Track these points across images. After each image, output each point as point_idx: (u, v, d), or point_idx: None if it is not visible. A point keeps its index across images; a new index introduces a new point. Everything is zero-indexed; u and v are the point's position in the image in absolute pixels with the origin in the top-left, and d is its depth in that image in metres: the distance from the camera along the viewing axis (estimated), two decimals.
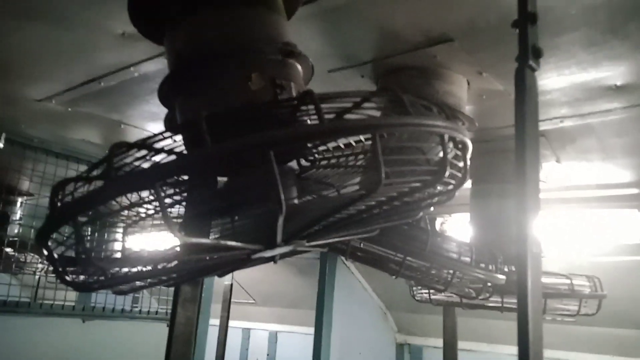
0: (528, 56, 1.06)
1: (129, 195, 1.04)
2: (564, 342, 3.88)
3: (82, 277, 1.02)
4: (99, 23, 1.66)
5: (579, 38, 1.55)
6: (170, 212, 1.21)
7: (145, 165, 1.00)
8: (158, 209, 1.09)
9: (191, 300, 1.76)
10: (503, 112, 2.11)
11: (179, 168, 0.71)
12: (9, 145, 2.74)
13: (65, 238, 0.87)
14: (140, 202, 1.02)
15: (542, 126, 2.17)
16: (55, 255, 0.91)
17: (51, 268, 3.34)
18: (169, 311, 3.37)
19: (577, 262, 3.45)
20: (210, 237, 1.14)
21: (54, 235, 0.92)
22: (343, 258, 4.52)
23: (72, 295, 3.04)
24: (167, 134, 0.83)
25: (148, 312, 3.38)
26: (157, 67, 1.91)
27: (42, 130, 2.79)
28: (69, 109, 2.43)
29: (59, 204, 0.86)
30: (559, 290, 2.38)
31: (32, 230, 3.19)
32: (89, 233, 1.24)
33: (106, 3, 1.54)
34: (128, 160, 0.94)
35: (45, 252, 0.90)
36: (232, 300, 5.18)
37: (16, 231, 3.46)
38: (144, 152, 0.89)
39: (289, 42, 1.13)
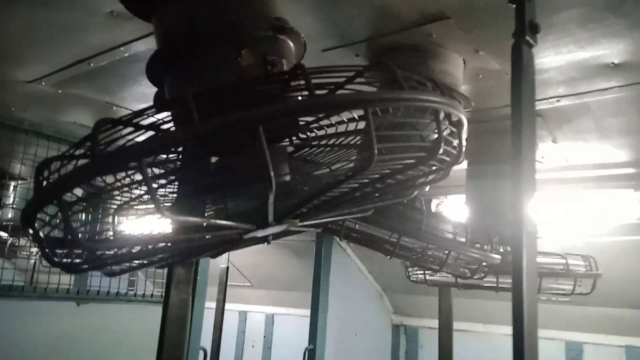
0: (525, 32, 1.04)
1: (118, 175, 1.02)
2: (559, 322, 3.91)
3: (70, 259, 1.00)
4: (86, 2, 1.62)
5: (577, 15, 1.52)
6: (164, 194, 1.19)
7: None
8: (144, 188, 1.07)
9: (185, 282, 1.75)
10: (499, 92, 2.09)
11: (165, 144, 0.69)
12: None
13: (50, 218, 0.85)
14: (130, 182, 1.00)
15: (539, 106, 2.15)
16: (42, 236, 0.89)
17: None
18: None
19: (573, 242, 3.46)
20: (202, 217, 1.12)
21: (42, 216, 0.90)
22: (338, 240, 4.54)
23: (66, 278, 3.02)
24: (153, 110, 0.81)
25: (143, 295, 3.37)
26: (148, 46, 1.87)
27: (32, 113, 2.76)
28: (59, 91, 2.39)
29: (44, 183, 0.84)
30: (554, 270, 2.39)
31: (21, 213, 3.16)
32: (81, 215, 1.22)
33: None
34: (115, 138, 0.92)
35: (31, 233, 0.89)
36: (228, 283, 5.19)
37: (10, 215, 3.44)
38: (130, 129, 0.87)
39: (280, 17, 1.10)
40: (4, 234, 3.38)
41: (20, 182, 3.46)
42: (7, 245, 3.39)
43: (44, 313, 2.83)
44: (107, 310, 3.15)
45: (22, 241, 3.58)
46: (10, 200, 3.51)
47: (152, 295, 3.42)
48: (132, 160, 0.67)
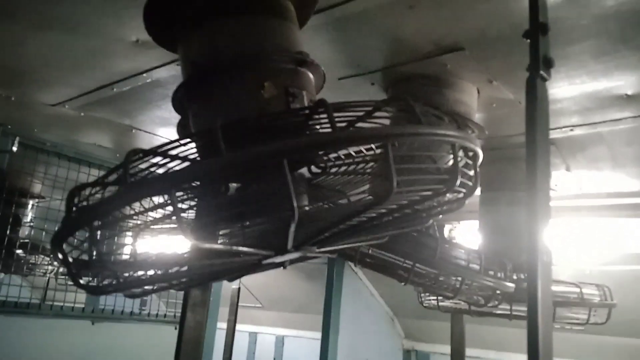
0: (539, 66, 1.07)
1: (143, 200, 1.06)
2: (574, 351, 3.85)
3: (94, 280, 1.03)
4: (113, 31, 1.68)
5: (590, 48, 1.55)
6: (184, 217, 1.23)
7: (159, 171, 1.02)
8: (169, 213, 1.11)
9: (200, 304, 1.77)
10: (513, 120, 2.11)
11: (195, 175, 0.73)
12: (22, 148, 2.78)
13: (80, 242, 0.89)
14: (154, 207, 1.03)
15: (553, 134, 2.17)
16: (70, 259, 0.92)
17: (61, 270, 3.37)
18: (177, 314, 3.38)
19: (587, 270, 3.43)
20: (219, 242, 1.15)
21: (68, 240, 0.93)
22: (351, 264, 4.53)
23: (81, 297, 3.06)
24: (183, 141, 0.85)
25: (157, 315, 3.40)
26: (169, 73, 1.93)
27: (54, 134, 2.83)
28: (82, 114, 2.46)
29: (74, 209, 0.87)
30: (569, 299, 2.37)
31: (43, 233, 3.21)
32: (101, 237, 1.26)
33: (121, 11, 1.56)
34: (142, 166, 0.95)
35: (60, 256, 0.92)
36: (239, 304, 5.18)
37: (27, 233, 3.49)
38: (158, 158, 0.91)
39: (301, 51, 1.14)
40: (21, 252, 3.42)
41: (38, 200, 3.52)
42: (24, 263, 3.43)
43: (59, 331, 2.86)
44: (120, 329, 3.18)
45: (38, 259, 3.63)
46: (29, 218, 3.56)
47: (165, 315, 3.44)
48: (164, 190, 0.70)
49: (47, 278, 3.70)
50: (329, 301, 4.53)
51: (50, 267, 3.59)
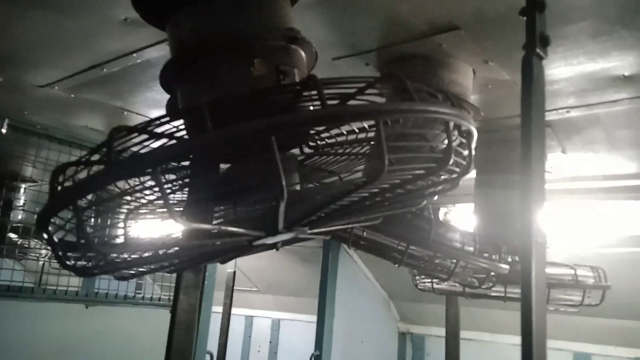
0: (535, 44, 1.05)
1: (130, 181, 1.04)
2: (567, 333, 3.88)
3: (83, 262, 1.02)
4: (101, 9, 1.64)
5: (588, 27, 1.53)
6: (173, 199, 1.21)
7: (146, 150, 1.00)
8: (159, 194, 1.09)
9: (193, 286, 1.76)
10: (509, 102, 2.09)
11: (180, 153, 0.71)
12: (12, 131, 2.74)
13: (65, 222, 0.87)
14: (142, 188, 1.01)
15: (548, 116, 2.15)
16: (56, 240, 0.90)
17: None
18: (172, 298, 3.38)
19: (582, 253, 3.44)
20: (212, 224, 1.13)
21: (55, 220, 0.91)
22: (346, 247, 4.54)
23: (75, 280, 3.05)
24: (167, 118, 0.83)
25: (151, 298, 3.39)
26: (160, 53, 1.89)
27: (45, 117, 2.79)
28: (72, 95, 2.42)
29: (59, 188, 0.85)
30: (563, 281, 2.38)
31: (36, 217, 3.19)
32: (91, 219, 1.24)
33: None
34: (128, 145, 0.93)
35: (46, 237, 0.90)
36: (234, 287, 5.20)
37: (20, 217, 3.47)
38: (144, 136, 0.89)
39: (292, 28, 1.11)
40: (14, 236, 3.41)
41: (30, 184, 3.49)
42: (17, 247, 3.42)
43: (53, 315, 2.86)
44: (115, 312, 3.17)
45: (32, 243, 3.61)
46: (21, 202, 3.54)
47: (159, 299, 3.44)
48: (148, 168, 0.68)
49: (42, 262, 3.69)
50: (324, 285, 4.54)
51: (43, 251, 3.58)
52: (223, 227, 0.87)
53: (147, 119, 2.62)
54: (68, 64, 2.09)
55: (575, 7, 1.42)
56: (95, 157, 0.92)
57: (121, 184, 0.99)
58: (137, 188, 0.98)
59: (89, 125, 2.85)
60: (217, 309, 4.77)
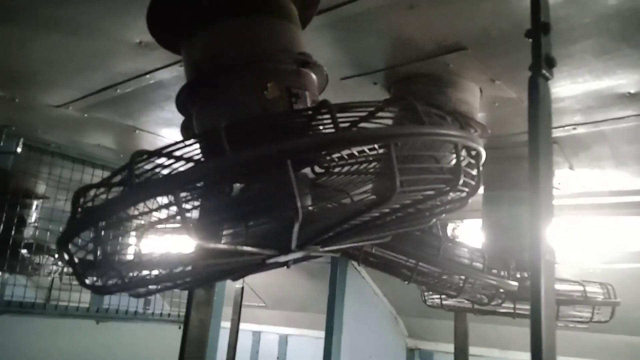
0: (541, 66, 1.07)
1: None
2: (577, 349, 3.85)
3: (100, 280, 1.04)
4: (116, 32, 1.69)
5: (592, 46, 1.55)
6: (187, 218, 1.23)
7: (163, 171, 1.03)
8: (173, 213, 1.11)
9: (204, 303, 1.78)
10: (515, 119, 2.11)
11: (200, 175, 0.73)
12: (26, 150, 2.79)
13: (85, 243, 0.89)
14: (159, 208, 1.04)
15: (555, 133, 2.17)
16: (76, 260, 0.93)
17: (65, 270, 3.39)
18: (181, 313, 3.40)
19: (591, 269, 3.43)
20: (222, 241, 1.16)
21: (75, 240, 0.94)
22: (354, 262, 4.54)
23: (85, 297, 3.07)
24: (188, 142, 0.86)
25: (160, 314, 3.41)
26: (172, 74, 1.94)
27: (58, 136, 2.84)
28: (85, 115, 2.47)
29: (80, 209, 0.88)
30: (572, 297, 2.38)
31: (48, 233, 3.23)
32: (107, 237, 1.27)
33: (124, 13, 1.57)
34: (147, 167, 0.96)
35: (67, 257, 0.93)
36: (242, 303, 5.20)
37: (32, 234, 3.50)
38: (163, 159, 0.92)
39: (304, 52, 1.14)
40: (26, 252, 3.44)
41: (43, 201, 3.53)
42: (29, 263, 3.44)
43: (64, 330, 2.88)
44: (124, 328, 3.19)
45: (43, 259, 3.64)
46: (33, 218, 3.58)
47: (168, 315, 3.45)
48: (170, 190, 0.71)
49: (52, 278, 3.72)
50: (332, 300, 4.53)
51: (54, 267, 3.60)
52: (238, 247, 0.89)
53: (158, 137, 2.68)
54: (82, 84, 2.13)
55: (579, 26, 1.45)
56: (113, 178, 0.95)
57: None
58: (153, 208, 1.00)
59: (102, 143, 2.90)
60: (225, 324, 4.77)
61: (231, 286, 4.94)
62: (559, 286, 2.31)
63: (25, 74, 2.10)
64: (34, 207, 3.44)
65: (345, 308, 4.59)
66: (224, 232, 1.20)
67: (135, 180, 0.80)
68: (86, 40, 1.76)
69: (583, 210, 3.02)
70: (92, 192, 0.90)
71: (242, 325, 5.24)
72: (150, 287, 1.15)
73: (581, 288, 2.39)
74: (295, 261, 1.20)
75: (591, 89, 1.80)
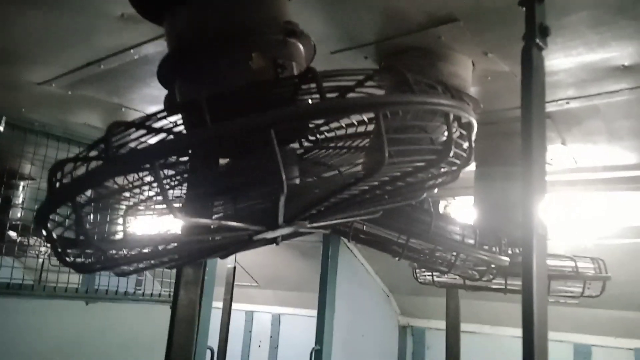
0: (535, 34, 1.05)
1: (129, 177, 1.03)
2: (568, 324, 3.89)
3: (82, 259, 1.01)
4: (98, 5, 1.63)
5: (587, 18, 1.52)
6: (172, 195, 1.20)
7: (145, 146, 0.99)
8: (158, 190, 1.08)
9: (193, 282, 1.76)
10: (508, 94, 2.08)
11: (179, 147, 0.70)
12: (9, 129, 2.73)
13: (64, 219, 0.86)
14: (141, 184, 1.01)
15: (548, 108, 2.14)
16: (55, 236, 0.90)
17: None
18: (172, 294, 3.38)
19: (582, 244, 3.44)
20: (212, 219, 1.13)
21: (54, 217, 0.91)
22: (346, 241, 4.54)
23: (75, 277, 3.04)
24: (165, 113, 0.82)
25: (151, 294, 3.39)
26: (157, 49, 1.88)
27: (42, 114, 2.78)
28: (70, 93, 2.41)
29: (57, 185, 0.85)
30: (563, 272, 2.38)
31: (34, 213, 3.19)
32: (90, 215, 1.24)
33: None
34: (127, 140, 0.93)
35: (45, 233, 0.90)
36: (235, 283, 5.21)
37: (19, 215, 3.46)
38: (142, 131, 0.88)
39: (290, 21, 1.11)
40: (14, 234, 3.40)
41: (29, 182, 3.49)
42: (17, 245, 3.41)
43: (53, 312, 2.85)
44: (115, 309, 3.17)
45: (31, 240, 3.61)
46: (20, 200, 3.54)
47: (159, 295, 3.43)
48: (146, 163, 0.67)
49: (42, 260, 3.69)
50: (324, 279, 4.55)
51: (43, 249, 3.57)
52: (223, 222, 0.86)
53: (144, 114, 2.64)
54: (65, 60, 2.08)
55: None
56: (94, 153, 0.92)
57: (120, 180, 0.98)
58: (135, 184, 0.97)
59: (87, 122, 2.84)
60: (218, 304, 4.77)
61: (223, 266, 4.93)
62: (550, 261, 2.31)
63: (6, 50, 2.04)
64: (20, 188, 3.40)
65: (338, 287, 4.60)
66: (213, 213, 1.18)
67: (113, 152, 0.76)
68: (67, 14, 1.71)
69: (576, 185, 3.02)
70: (69, 167, 0.87)
71: (234, 305, 5.26)
72: (135, 265, 1.13)
73: (572, 263, 2.39)
74: (284, 238, 1.17)
75: (585, 61, 1.77)
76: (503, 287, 2.38)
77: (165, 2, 1.18)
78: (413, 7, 1.55)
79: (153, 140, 0.96)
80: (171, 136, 0.91)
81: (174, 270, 2.78)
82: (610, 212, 3.51)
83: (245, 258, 5.43)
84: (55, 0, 1.63)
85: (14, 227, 3.23)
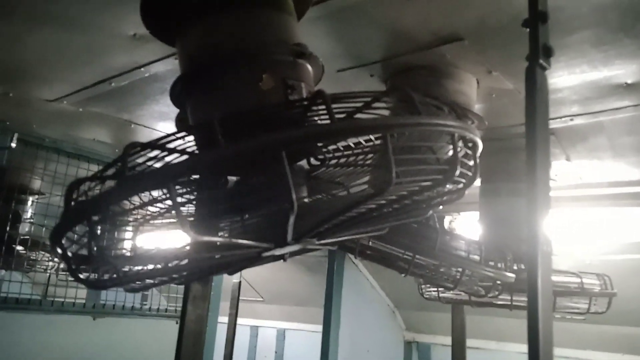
0: (539, 55, 1.07)
1: (141, 194, 1.06)
2: (574, 341, 3.86)
3: (94, 275, 1.03)
4: (110, 25, 1.67)
5: (590, 36, 1.54)
6: (185, 212, 1.22)
7: (157, 165, 1.01)
8: (169, 207, 1.10)
9: (201, 298, 1.78)
10: (513, 110, 2.11)
11: (193, 168, 0.72)
12: (21, 145, 2.77)
13: (79, 237, 0.88)
14: (153, 201, 1.03)
15: (552, 124, 2.16)
16: (69, 254, 0.92)
17: (62, 266, 3.38)
18: (178, 309, 3.39)
19: (587, 260, 3.44)
20: (220, 235, 1.15)
21: (67, 234, 0.93)
22: (352, 256, 4.53)
23: (82, 292, 3.06)
24: (181, 134, 0.84)
25: (157, 309, 3.40)
26: (167, 67, 1.92)
27: (53, 130, 2.82)
28: (80, 109, 2.45)
29: (73, 203, 0.87)
30: (569, 288, 2.38)
31: (44, 229, 3.21)
32: (105, 232, 1.26)
33: (118, 6, 1.55)
34: (140, 160, 0.95)
35: (60, 251, 0.92)
36: (240, 298, 5.20)
37: (27, 230, 3.49)
38: (156, 152, 0.90)
39: (299, 43, 1.13)
40: (21, 248, 3.43)
41: (38, 197, 3.52)
42: (25, 259, 3.43)
43: (60, 327, 2.87)
44: (122, 324, 3.18)
45: (39, 255, 3.63)
46: (29, 214, 3.56)
47: (165, 310, 3.44)
48: (163, 183, 0.70)
49: (48, 274, 3.71)
50: (329, 294, 4.54)
51: (51, 263, 3.59)
52: (234, 240, 0.88)
53: (154, 130, 2.67)
54: (77, 78, 2.12)
55: (577, 16, 1.44)
56: (106, 171, 0.94)
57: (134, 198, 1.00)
58: (148, 201, 0.99)
59: (97, 138, 2.88)
60: (223, 319, 4.77)
61: (229, 281, 4.94)
62: (555, 278, 2.31)
63: (19, 68, 2.09)
64: (29, 202, 3.43)
65: (343, 302, 4.59)
66: (221, 226, 1.19)
67: (129, 172, 0.79)
68: (80, 33, 1.75)
69: (580, 201, 3.02)
70: (85, 186, 0.89)
71: (240, 320, 5.25)
72: (145, 281, 1.15)
73: (578, 279, 2.39)
74: (292, 254, 1.19)
75: (589, 79, 1.80)
76: (509, 303, 2.37)
77: (177, 23, 1.21)
78: (419, 26, 1.58)
79: (166, 159, 0.98)
80: (184, 156, 0.93)
81: (180, 286, 2.79)
82: (615, 227, 3.51)
83: (250, 273, 5.43)
84: (68, 20, 1.67)
85: (22, 242, 3.25)
